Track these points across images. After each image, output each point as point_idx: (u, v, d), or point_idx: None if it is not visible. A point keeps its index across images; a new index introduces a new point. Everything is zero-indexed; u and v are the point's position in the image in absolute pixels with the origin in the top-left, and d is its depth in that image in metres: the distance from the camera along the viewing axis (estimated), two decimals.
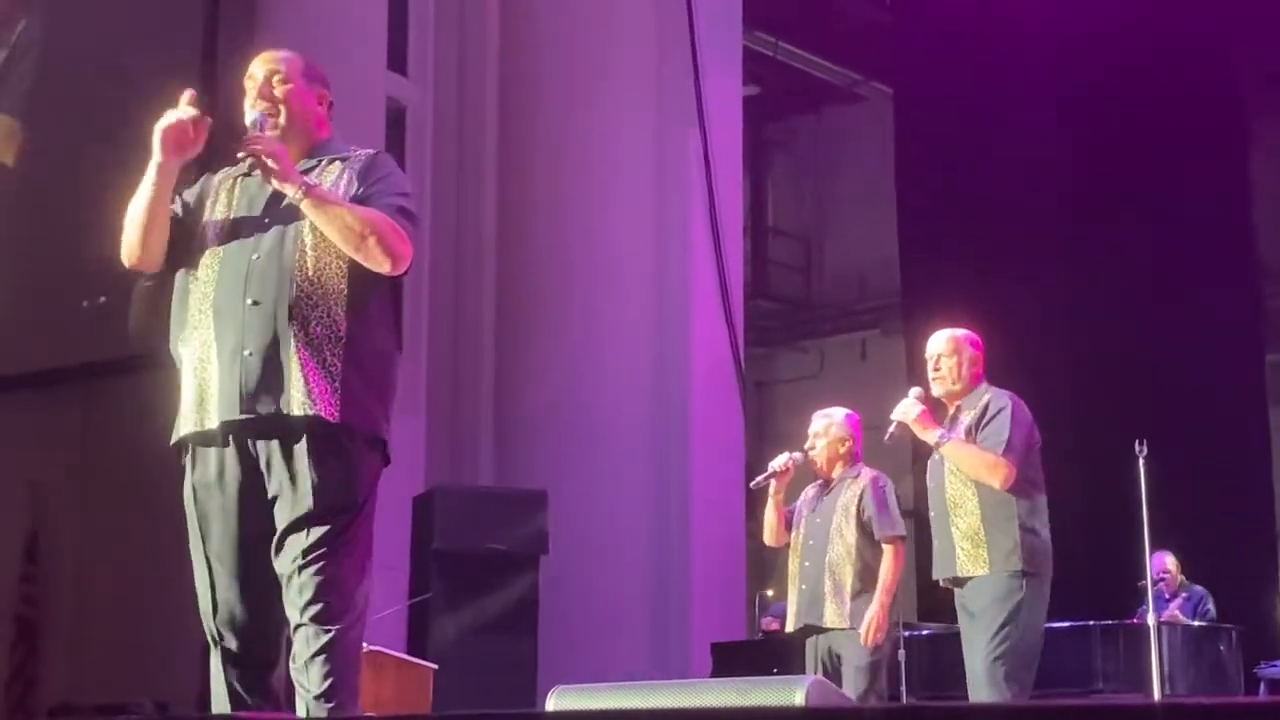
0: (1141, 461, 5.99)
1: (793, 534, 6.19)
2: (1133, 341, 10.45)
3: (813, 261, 17.48)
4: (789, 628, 6.20)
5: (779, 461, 6.20)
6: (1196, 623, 8.44)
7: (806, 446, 6.22)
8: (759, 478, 6.27)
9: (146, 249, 3.64)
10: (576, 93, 10.52)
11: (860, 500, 6.00)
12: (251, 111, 3.65)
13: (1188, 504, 9.10)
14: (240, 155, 3.55)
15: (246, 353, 3.48)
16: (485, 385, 10.50)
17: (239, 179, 3.70)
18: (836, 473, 6.16)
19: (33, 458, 9.16)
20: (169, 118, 3.59)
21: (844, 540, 5.98)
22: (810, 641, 6.06)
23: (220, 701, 3.55)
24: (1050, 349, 10.26)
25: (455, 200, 10.62)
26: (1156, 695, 6.41)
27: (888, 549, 5.94)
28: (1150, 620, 6.35)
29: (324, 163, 3.67)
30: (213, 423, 3.52)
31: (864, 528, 5.98)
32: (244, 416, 3.49)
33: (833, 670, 5.95)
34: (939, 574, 5.40)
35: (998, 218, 11.06)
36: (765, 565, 16.40)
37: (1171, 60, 10.55)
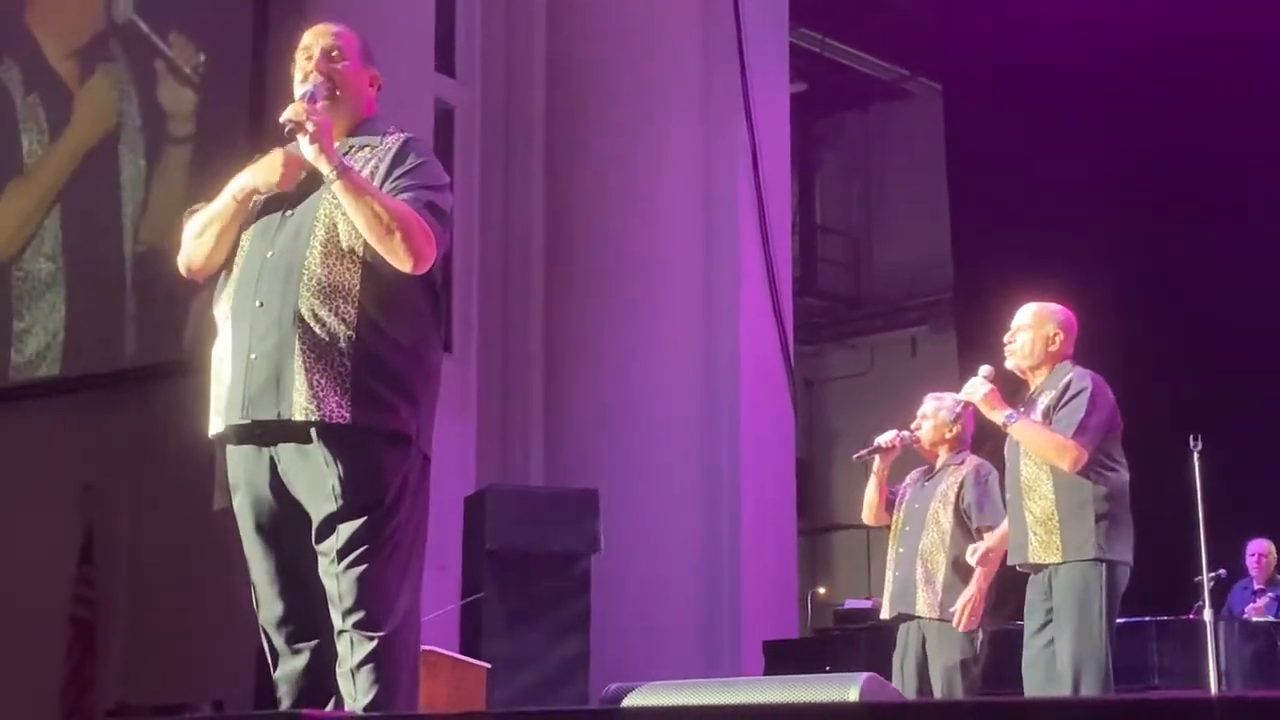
0: (1196, 457, 5.93)
1: (893, 518, 6.00)
2: (1193, 335, 10.32)
3: (861, 258, 17.43)
4: (884, 615, 6.02)
5: (886, 437, 5.97)
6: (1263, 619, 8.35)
7: (913, 426, 6.01)
8: (862, 451, 6.05)
9: (210, 261, 3.58)
10: (623, 92, 10.52)
11: (960, 488, 5.79)
12: (303, 86, 3.55)
13: (1269, 496, 9.02)
14: (282, 119, 3.45)
15: (252, 356, 3.42)
16: (535, 385, 10.52)
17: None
18: (941, 458, 5.96)
19: (88, 460, 9.26)
20: (275, 156, 3.54)
21: (939, 528, 5.78)
22: (904, 627, 5.88)
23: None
24: (1106, 345, 10.13)
25: (503, 201, 10.64)
26: (1213, 690, 6.35)
27: (987, 537, 5.70)
28: (1206, 616, 6.30)
29: (354, 149, 3.56)
30: (221, 426, 3.49)
31: (961, 516, 5.77)
32: (246, 422, 3.43)
33: (921, 662, 5.78)
34: (1013, 559, 5.23)
35: (1050, 212, 10.95)
36: (817, 563, 16.39)
37: (1228, 54, 10.42)
